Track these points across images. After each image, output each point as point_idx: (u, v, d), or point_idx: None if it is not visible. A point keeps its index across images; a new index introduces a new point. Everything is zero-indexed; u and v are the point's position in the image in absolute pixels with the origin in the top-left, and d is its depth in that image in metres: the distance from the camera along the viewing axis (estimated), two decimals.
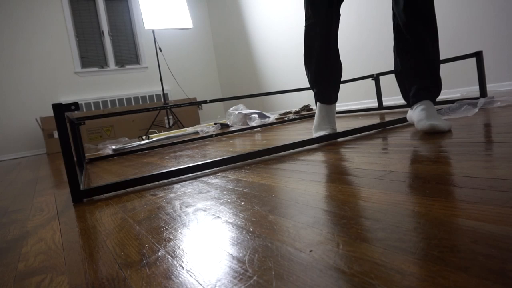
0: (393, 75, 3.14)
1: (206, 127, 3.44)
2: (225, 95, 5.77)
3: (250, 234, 0.50)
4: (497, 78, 2.47)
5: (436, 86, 1.22)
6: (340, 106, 3.66)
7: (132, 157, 2.06)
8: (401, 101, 3.15)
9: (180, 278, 0.40)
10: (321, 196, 0.63)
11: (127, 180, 1.00)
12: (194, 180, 0.99)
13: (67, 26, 4.66)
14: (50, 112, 4.47)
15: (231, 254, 0.44)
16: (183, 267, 0.43)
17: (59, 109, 0.93)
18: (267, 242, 0.46)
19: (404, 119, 1.49)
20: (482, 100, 1.59)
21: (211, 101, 2.62)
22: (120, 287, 0.40)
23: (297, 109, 3.62)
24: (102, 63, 4.91)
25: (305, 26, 1.37)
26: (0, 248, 0.64)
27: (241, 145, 1.73)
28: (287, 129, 2.28)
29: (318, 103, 1.43)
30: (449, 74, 2.77)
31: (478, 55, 1.79)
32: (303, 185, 0.73)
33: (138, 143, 2.85)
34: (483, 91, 1.79)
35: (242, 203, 0.67)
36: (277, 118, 3.26)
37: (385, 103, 3.22)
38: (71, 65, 4.70)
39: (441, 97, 2.78)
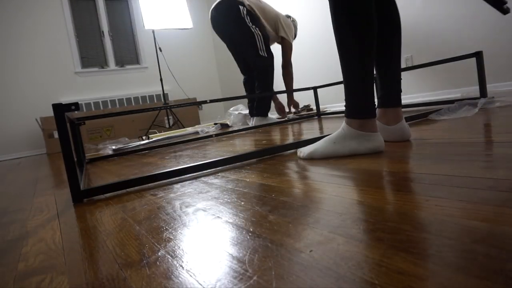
0: None
1: (206, 127, 3.44)
2: (225, 95, 5.77)
3: (250, 234, 0.50)
4: (497, 78, 2.47)
5: None
6: (340, 106, 3.66)
7: (132, 157, 2.06)
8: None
9: (180, 278, 0.40)
10: (321, 196, 0.63)
11: (127, 180, 1.00)
12: (194, 180, 0.99)
13: (67, 26, 4.66)
14: (50, 112, 4.47)
15: (231, 254, 0.44)
16: (183, 267, 0.43)
17: (59, 109, 0.93)
18: (267, 242, 0.46)
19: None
20: (482, 100, 1.59)
21: (211, 101, 2.62)
22: (120, 287, 0.40)
23: (297, 109, 3.62)
24: (102, 63, 4.91)
25: None
26: (0, 248, 0.64)
27: (241, 145, 1.73)
28: (287, 129, 2.28)
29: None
30: (449, 74, 2.77)
31: (478, 55, 1.79)
32: (303, 185, 0.73)
33: (138, 143, 2.85)
34: (483, 91, 1.80)
35: (242, 203, 0.67)
36: (277, 118, 3.26)
37: None
38: (71, 65, 4.70)
39: (441, 97, 2.78)
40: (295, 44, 4.06)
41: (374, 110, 0.96)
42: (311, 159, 1.02)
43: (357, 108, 0.96)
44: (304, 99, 4.07)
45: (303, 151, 1.06)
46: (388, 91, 1.08)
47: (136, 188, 1.02)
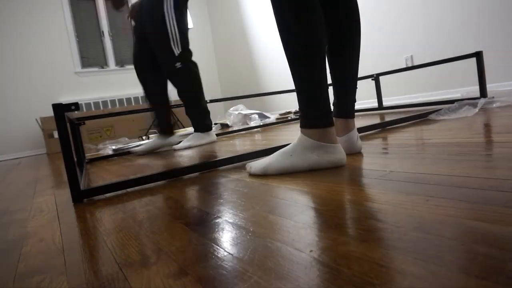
0: (393, 75, 3.14)
1: None
2: (225, 95, 5.77)
3: (250, 234, 0.50)
4: (497, 78, 2.47)
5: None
6: None
7: (132, 157, 2.06)
8: (401, 101, 3.15)
9: (180, 278, 0.40)
10: (321, 196, 0.63)
11: (127, 180, 1.00)
12: (194, 180, 0.99)
13: (67, 26, 4.66)
14: (50, 112, 4.48)
15: (231, 254, 0.44)
16: (183, 267, 0.43)
17: (59, 109, 0.93)
18: (267, 242, 0.46)
19: (404, 119, 1.49)
20: (482, 100, 1.59)
21: (211, 101, 2.62)
22: (120, 287, 0.40)
23: (297, 109, 3.62)
24: (102, 63, 4.91)
25: None
26: (0, 248, 0.64)
27: (241, 145, 1.73)
28: (287, 129, 2.29)
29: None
30: (449, 74, 2.77)
31: (478, 55, 1.79)
32: (303, 185, 0.73)
33: (138, 143, 2.85)
34: (483, 91, 1.80)
35: (242, 203, 0.67)
36: (277, 118, 3.26)
37: (385, 103, 3.22)
38: (71, 65, 4.70)
39: (441, 97, 2.79)
40: None
41: (332, 118, 0.87)
42: (265, 175, 0.89)
43: (315, 117, 0.86)
44: None
45: (254, 166, 0.92)
46: (342, 101, 1.01)
47: (136, 188, 1.02)
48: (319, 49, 0.84)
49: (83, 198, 0.96)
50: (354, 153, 1.01)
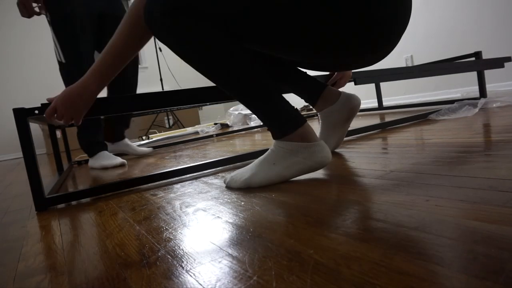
0: None
1: (206, 127, 3.44)
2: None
3: (250, 234, 0.50)
4: (496, 78, 2.47)
5: None
6: None
7: (132, 157, 2.06)
8: (401, 101, 3.15)
9: (180, 278, 0.40)
10: (321, 196, 0.63)
11: (126, 180, 1.00)
12: (194, 180, 1.00)
13: None
14: None
15: (231, 254, 0.44)
16: (183, 267, 0.43)
17: (21, 114, 0.87)
18: (267, 242, 0.46)
19: (404, 119, 1.49)
20: (482, 100, 1.59)
21: None
22: (120, 287, 0.40)
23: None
24: None
25: None
26: (0, 248, 0.64)
27: (241, 145, 1.73)
28: None
29: None
30: (449, 74, 2.77)
31: (477, 55, 1.79)
32: (303, 185, 0.73)
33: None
34: (482, 91, 1.80)
35: (242, 203, 0.67)
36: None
37: (385, 103, 3.22)
38: None
39: (441, 97, 2.79)
40: None
41: (302, 116, 0.80)
42: (248, 188, 0.78)
43: (287, 121, 0.78)
44: None
45: (233, 179, 0.81)
46: (309, 84, 1.03)
47: (136, 188, 1.02)
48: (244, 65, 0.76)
49: (48, 206, 0.92)
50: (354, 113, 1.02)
